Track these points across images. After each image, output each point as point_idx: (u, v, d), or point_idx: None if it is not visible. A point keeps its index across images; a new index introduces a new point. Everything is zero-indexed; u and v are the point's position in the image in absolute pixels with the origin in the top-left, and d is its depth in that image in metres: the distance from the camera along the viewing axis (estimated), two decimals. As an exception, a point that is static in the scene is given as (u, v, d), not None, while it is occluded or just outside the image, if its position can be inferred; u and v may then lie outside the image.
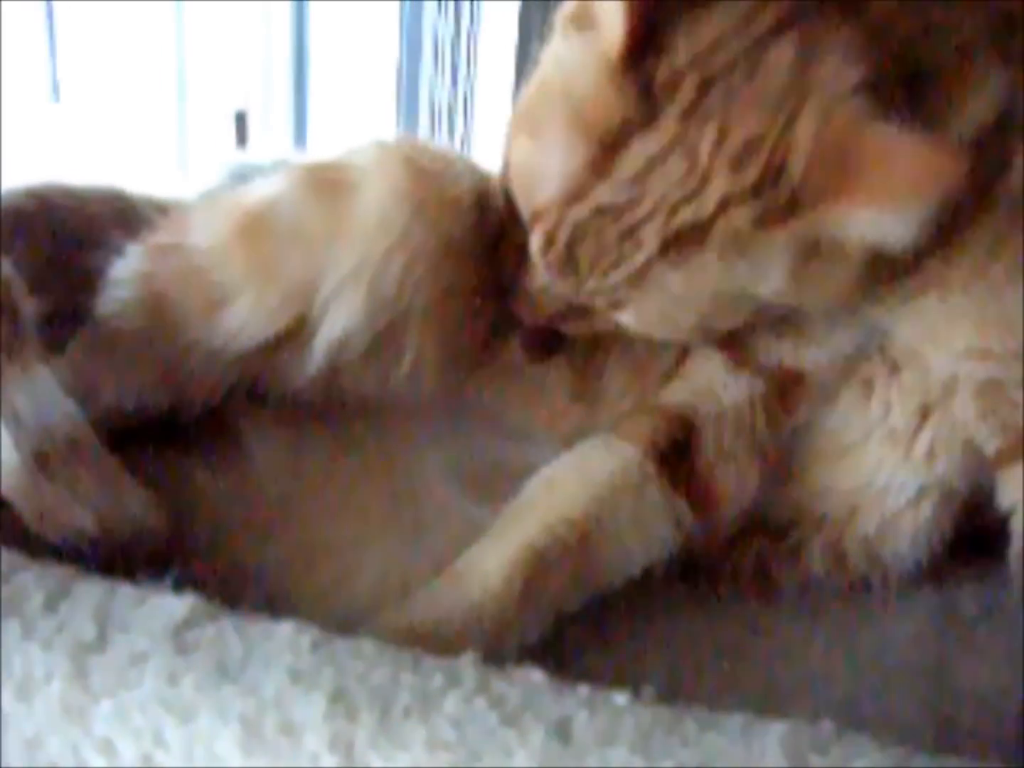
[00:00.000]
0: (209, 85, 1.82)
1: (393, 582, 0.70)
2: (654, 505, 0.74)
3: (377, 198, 0.70)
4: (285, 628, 0.51)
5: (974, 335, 0.73)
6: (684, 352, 0.81)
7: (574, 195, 0.65)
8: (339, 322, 0.71)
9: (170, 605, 0.52)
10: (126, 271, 0.74)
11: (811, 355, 0.78)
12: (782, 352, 0.78)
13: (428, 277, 0.72)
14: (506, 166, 0.72)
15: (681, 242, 0.64)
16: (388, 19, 1.97)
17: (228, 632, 0.51)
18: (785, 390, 0.79)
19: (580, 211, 0.66)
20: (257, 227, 0.72)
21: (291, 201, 0.72)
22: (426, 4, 2.01)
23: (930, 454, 0.78)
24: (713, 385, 0.78)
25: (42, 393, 0.64)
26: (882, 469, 0.79)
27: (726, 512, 0.77)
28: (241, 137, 1.87)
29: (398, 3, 2.00)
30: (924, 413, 0.77)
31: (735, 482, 0.77)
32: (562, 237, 0.67)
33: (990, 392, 0.75)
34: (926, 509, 0.78)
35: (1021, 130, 0.73)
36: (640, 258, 0.65)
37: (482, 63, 2.02)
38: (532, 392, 0.81)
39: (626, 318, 0.71)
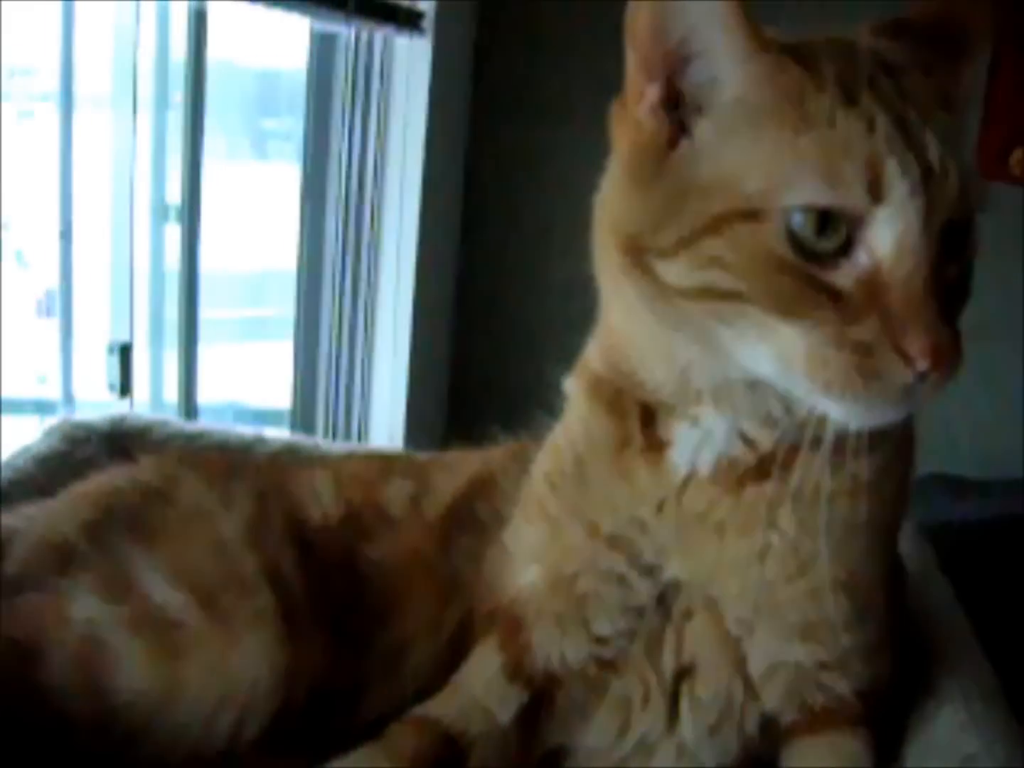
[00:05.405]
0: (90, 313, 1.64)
1: None
2: None
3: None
4: None
5: (810, 605, 0.69)
6: (458, 655, 0.79)
7: None
8: None
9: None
10: None
11: (574, 654, 0.75)
12: (551, 651, 0.76)
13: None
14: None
15: None
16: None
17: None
18: (543, 703, 0.77)
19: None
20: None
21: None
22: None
23: (722, 754, 0.74)
24: (488, 700, 0.76)
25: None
26: None
27: None
28: (125, 371, 1.67)
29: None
30: (719, 723, 0.73)
31: None
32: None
33: (804, 677, 0.72)
34: None
35: None
36: None
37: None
38: None
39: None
